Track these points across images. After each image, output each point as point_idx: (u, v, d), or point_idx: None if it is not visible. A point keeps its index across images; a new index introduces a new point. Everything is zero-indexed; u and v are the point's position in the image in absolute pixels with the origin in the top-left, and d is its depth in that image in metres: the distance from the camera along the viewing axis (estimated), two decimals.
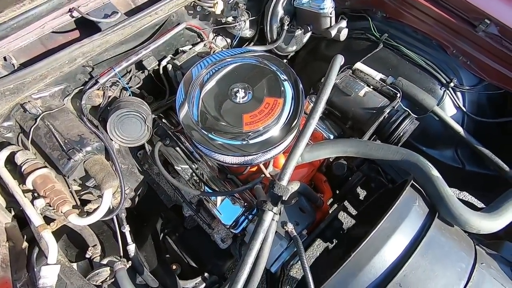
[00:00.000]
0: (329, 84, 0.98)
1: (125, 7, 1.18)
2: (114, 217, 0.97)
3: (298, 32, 1.41)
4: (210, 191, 1.11)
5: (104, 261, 0.92)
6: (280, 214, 0.87)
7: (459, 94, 1.27)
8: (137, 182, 1.18)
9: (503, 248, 0.94)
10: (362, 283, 0.79)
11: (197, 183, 1.17)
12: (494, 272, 0.82)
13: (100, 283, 0.89)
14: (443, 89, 1.26)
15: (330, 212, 1.19)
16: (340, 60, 1.05)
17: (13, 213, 0.98)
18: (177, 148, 1.20)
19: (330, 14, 1.23)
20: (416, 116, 1.19)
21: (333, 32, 1.25)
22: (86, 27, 1.07)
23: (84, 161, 0.86)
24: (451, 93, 1.26)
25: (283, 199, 0.84)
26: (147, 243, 1.17)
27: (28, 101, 0.91)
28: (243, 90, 1.01)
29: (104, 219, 0.93)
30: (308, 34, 1.48)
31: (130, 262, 0.95)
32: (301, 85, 1.04)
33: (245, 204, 1.05)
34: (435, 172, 0.93)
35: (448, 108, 1.28)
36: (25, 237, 0.97)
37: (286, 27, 1.32)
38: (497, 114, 1.28)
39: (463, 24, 1.18)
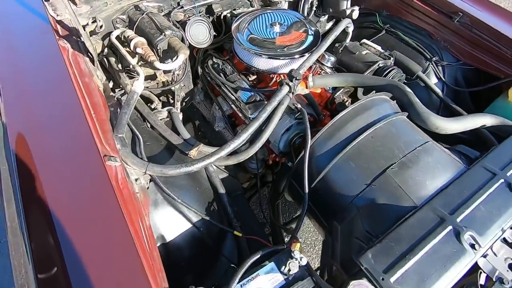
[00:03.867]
0: (341, 25, 1.41)
1: None
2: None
3: (323, 18, 1.90)
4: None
5: (164, 109, 1.29)
6: (293, 93, 1.23)
7: (440, 68, 1.65)
8: (188, 88, 1.59)
9: (457, 147, 1.22)
10: (345, 133, 1.10)
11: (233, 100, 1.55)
12: (444, 149, 1.11)
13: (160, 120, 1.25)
14: (428, 63, 1.65)
15: None
16: (349, 20, 1.50)
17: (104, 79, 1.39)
18: (221, 74, 1.61)
19: None
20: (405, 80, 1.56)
21: (348, 11, 1.71)
22: None
23: (170, 38, 1.29)
24: (434, 66, 1.64)
25: (297, 78, 1.20)
26: None
27: (140, 3, 1.40)
28: (279, 26, 1.46)
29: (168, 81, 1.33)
30: (331, 23, 1.97)
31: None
32: (320, 36, 1.48)
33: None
34: (408, 89, 1.28)
35: (432, 79, 1.65)
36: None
37: (314, 8, 1.82)
38: (468, 86, 1.62)
39: (443, 16, 1.62)
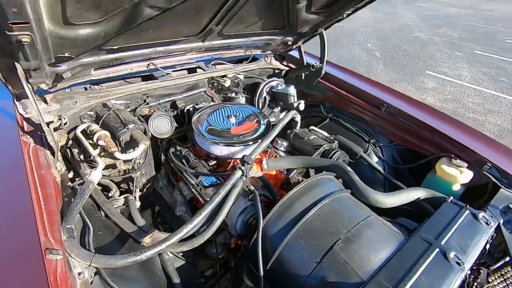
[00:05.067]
0: (288, 116, 1.63)
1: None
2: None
3: (276, 109, 2.19)
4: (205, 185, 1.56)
5: (121, 197, 1.30)
6: (246, 176, 1.33)
7: (379, 149, 1.88)
8: (149, 175, 1.65)
9: (398, 220, 1.31)
10: (294, 212, 1.17)
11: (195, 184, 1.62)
12: (385, 222, 1.20)
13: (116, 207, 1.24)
14: (367, 145, 1.88)
15: None
16: (295, 112, 1.74)
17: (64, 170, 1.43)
18: (183, 160, 1.72)
19: (293, 94, 2.02)
20: (350, 160, 1.76)
21: (295, 104, 2.00)
22: (148, 77, 1.84)
23: (133, 131, 1.41)
24: (372, 147, 1.87)
25: (248, 163, 1.32)
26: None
27: (109, 102, 1.56)
28: (234, 118, 1.66)
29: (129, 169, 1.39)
30: (283, 113, 2.26)
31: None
32: (271, 126, 1.69)
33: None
34: (349, 169, 1.43)
35: (373, 158, 1.86)
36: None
37: (267, 102, 2.10)
38: (405, 163, 1.84)
39: (373, 107, 1.94)
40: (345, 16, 1.78)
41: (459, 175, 1.53)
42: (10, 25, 0.79)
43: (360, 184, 1.35)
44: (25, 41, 0.87)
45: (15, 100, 1.44)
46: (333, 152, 1.69)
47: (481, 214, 1.22)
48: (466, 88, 6.01)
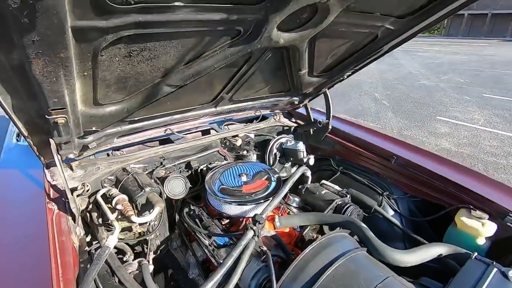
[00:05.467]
0: (298, 172, 1.66)
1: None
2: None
3: (287, 164, 2.24)
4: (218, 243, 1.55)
5: (135, 261, 1.31)
6: (258, 236, 1.33)
7: (393, 201, 1.84)
8: (164, 236, 1.67)
9: (420, 280, 1.22)
10: (308, 274, 1.14)
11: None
12: (406, 283, 1.14)
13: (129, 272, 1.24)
14: (381, 197, 1.86)
15: None
16: (305, 167, 1.79)
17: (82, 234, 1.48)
18: (196, 220, 1.75)
19: (302, 150, 2.08)
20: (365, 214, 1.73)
21: (305, 160, 2.05)
22: (165, 141, 1.97)
23: (149, 194, 1.47)
24: (386, 199, 1.84)
25: (260, 222, 1.33)
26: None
27: (128, 166, 1.66)
28: (246, 176, 1.72)
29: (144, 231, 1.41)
30: (294, 168, 2.30)
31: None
32: (282, 182, 1.73)
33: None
34: (363, 225, 1.40)
35: (389, 212, 1.82)
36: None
37: (278, 158, 2.17)
38: (423, 215, 1.77)
39: (383, 159, 1.96)
40: (345, 77, 1.92)
41: (481, 228, 1.46)
42: (50, 111, 0.93)
43: (376, 241, 1.32)
44: (61, 122, 1.01)
45: (44, 169, 1.57)
46: (346, 206, 1.67)
47: (511, 272, 1.14)
48: (481, 132, 5.94)
